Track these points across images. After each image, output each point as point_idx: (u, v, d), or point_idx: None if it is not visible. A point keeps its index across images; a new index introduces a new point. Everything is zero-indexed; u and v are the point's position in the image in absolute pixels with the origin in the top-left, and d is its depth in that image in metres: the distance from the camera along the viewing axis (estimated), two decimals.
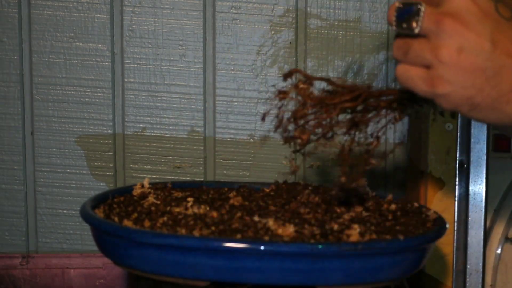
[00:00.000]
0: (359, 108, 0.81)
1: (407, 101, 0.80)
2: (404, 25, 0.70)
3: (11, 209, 1.30)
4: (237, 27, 1.28)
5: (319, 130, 0.81)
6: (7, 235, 1.31)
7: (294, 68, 0.87)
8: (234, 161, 1.30)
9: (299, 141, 0.82)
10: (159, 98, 1.28)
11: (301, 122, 0.81)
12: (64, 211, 1.30)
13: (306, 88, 0.82)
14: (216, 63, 1.28)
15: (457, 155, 1.11)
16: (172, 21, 1.28)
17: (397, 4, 0.71)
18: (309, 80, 0.82)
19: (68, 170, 1.30)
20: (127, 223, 0.85)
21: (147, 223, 0.85)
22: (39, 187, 1.30)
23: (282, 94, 0.83)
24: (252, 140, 1.29)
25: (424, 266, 0.99)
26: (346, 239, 0.81)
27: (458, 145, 1.10)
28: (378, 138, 0.83)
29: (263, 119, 0.84)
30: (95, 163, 1.29)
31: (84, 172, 1.30)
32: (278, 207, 0.94)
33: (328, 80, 0.81)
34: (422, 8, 0.68)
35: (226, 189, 1.05)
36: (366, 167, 0.84)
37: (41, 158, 1.29)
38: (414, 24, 0.69)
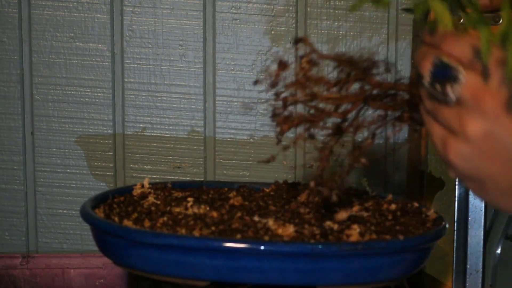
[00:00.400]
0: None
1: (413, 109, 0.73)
2: (438, 87, 0.61)
3: (11, 209, 1.30)
4: (237, 27, 1.28)
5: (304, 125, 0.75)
6: (7, 235, 1.31)
7: (305, 37, 0.79)
8: (234, 161, 1.30)
9: (278, 129, 0.76)
10: (159, 98, 1.28)
11: (290, 107, 0.76)
12: (64, 211, 1.30)
13: (307, 68, 0.75)
14: (216, 63, 1.28)
15: None
16: (172, 21, 1.28)
17: (434, 59, 0.61)
18: (316, 56, 0.75)
19: (68, 170, 1.30)
20: (127, 223, 0.85)
21: (147, 223, 0.85)
22: (39, 187, 1.30)
23: (282, 66, 0.76)
24: (252, 140, 1.29)
25: (424, 266, 0.99)
26: (346, 239, 0.81)
27: None
28: (374, 135, 0.76)
29: (255, 83, 0.79)
30: (95, 163, 1.29)
31: (84, 172, 1.30)
32: (278, 207, 0.94)
33: (337, 59, 0.74)
34: (462, 77, 0.59)
35: (226, 189, 1.05)
36: (355, 165, 0.77)
37: (41, 158, 1.29)
38: (449, 91, 0.60)
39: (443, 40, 0.61)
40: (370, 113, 0.75)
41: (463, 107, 0.60)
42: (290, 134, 0.78)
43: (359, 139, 0.77)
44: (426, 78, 0.62)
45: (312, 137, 0.76)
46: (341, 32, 1.27)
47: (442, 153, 0.63)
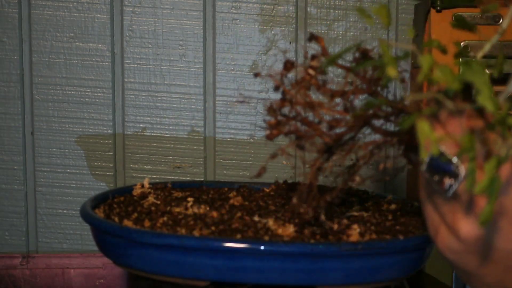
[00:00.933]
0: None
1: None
2: (436, 178, 0.57)
3: (11, 209, 1.30)
4: (237, 27, 1.28)
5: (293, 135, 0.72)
6: (7, 235, 1.31)
7: (321, 36, 0.73)
8: (234, 161, 1.30)
9: (267, 132, 0.73)
10: (159, 98, 1.28)
11: (284, 112, 0.72)
12: (64, 211, 1.30)
13: (313, 75, 0.71)
14: (216, 63, 1.28)
15: None
16: (172, 21, 1.28)
17: (435, 150, 0.55)
18: (326, 59, 0.70)
19: (68, 170, 1.30)
20: (127, 223, 0.85)
21: (147, 223, 0.85)
22: (39, 187, 1.30)
23: (288, 67, 0.73)
24: (252, 140, 1.29)
25: (424, 266, 0.99)
26: (346, 239, 0.81)
27: None
28: (371, 152, 0.72)
29: (256, 75, 0.76)
30: (95, 163, 1.29)
31: (84, 172, 1.30)
32: (278, 207, 0.94)
33: (346, 68, 0.70)
34: (462, 174, 0.55)
35: (226, 189, 1.05)
36: (349, 184, 0.74)
37: (41, 158, 1.29)
38: (447, 186, 0.57)
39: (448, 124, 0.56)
40: (367, 133, 0.72)
41: (459, 204, 0.57)
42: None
43: (355, 158, 0.73)
44: (425, 164, 0.58)
45: (301, 148, 0.73)
46: (341, 32, 1.27)
47: (433, 237, 0.61)
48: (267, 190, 1.04)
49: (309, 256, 0.78)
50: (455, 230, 0.58)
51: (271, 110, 0.73)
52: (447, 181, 0.56)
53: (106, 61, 1.27)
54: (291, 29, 1.27)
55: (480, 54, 0.59)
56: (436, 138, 0.55)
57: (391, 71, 0.56)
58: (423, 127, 0.54)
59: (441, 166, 0.57)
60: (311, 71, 0.71)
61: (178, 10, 1.28)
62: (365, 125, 0.70)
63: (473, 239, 0.57)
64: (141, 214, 0.89)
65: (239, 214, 0.89)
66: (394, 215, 0.93)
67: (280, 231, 0.82)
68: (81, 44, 1.27)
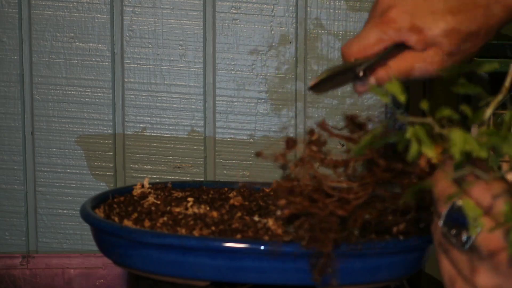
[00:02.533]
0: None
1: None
2: (453, 232, 0.59)
3: (11, 209, 1.30)
4: (237, 27, 1.28)
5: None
6: (7, 235, 1.31)
7: (322, 122, 0.75)
8: (234, 161, 1.30)
9: (278, 212, 0.75)
10: (159, 98, 1.28)
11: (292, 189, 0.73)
12: (64, 211, 1.30)
13: (315, 151, 0.73)
14: (216, 63, 1.28)
15: None
16: (172, 21, 1.28)
17: (453, 202, 0.58)
18: (327, 133, 0.71)
19: (68, 170, 1.30)
20: (127, 223, 0.85)
21: (147, 223, 0.85)
22: (39, 187, 1.30)
23: (290, 145, 0.74)
24: (252, 140, 1.29)
25: (424, 266, 0.99)
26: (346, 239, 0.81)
27: None
28: (381, 218, 0.74)
29: (257, 155, 0.78)
30: (95, 163, 1.29)
31: (84, 172, 1.30)
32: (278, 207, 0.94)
33: (348, 139, 0.71)
34: (479, 228, 0.57)
35: (226, 189, 1.05)
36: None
37: (41, 158, 1.29)
38: (464, 239, 0.58)
39: (467, 183, 0.58)
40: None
41: (476, 255, 0.58)
42: None
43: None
44: (442, 218, 0.59)
45: (313, 227, 0.73)
46: (341, 32, 1.27)
47: None
48: (267, 190, 1.04)
49: (309, 256, 0.78)
50: (473, 282, 0.58)
51: (280, 190, 0.73)
52: (465, 234, 0.58)
53: (106, 61, 1.27)
54: (291, 29, 1.27)
55: (489, 112, 0.60)
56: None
57: (430, 153, 0.57)
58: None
59: (458, 220, 0.58)
60: (313, 147, 0.73)
61: (178, 10, 1.27)
62: (373, 191, 0.71)
63: None
64: (141, 214, 0.89)
65: (239, 214, 0.89)
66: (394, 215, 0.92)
67: (280, 231, 0.82)
68: (81, 44, 1.27)
